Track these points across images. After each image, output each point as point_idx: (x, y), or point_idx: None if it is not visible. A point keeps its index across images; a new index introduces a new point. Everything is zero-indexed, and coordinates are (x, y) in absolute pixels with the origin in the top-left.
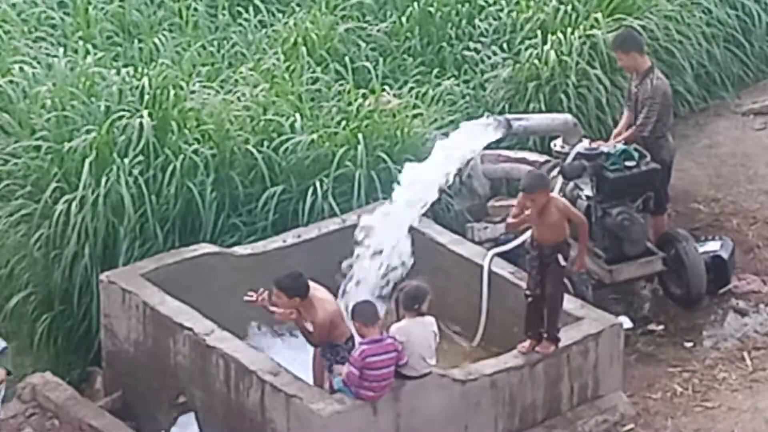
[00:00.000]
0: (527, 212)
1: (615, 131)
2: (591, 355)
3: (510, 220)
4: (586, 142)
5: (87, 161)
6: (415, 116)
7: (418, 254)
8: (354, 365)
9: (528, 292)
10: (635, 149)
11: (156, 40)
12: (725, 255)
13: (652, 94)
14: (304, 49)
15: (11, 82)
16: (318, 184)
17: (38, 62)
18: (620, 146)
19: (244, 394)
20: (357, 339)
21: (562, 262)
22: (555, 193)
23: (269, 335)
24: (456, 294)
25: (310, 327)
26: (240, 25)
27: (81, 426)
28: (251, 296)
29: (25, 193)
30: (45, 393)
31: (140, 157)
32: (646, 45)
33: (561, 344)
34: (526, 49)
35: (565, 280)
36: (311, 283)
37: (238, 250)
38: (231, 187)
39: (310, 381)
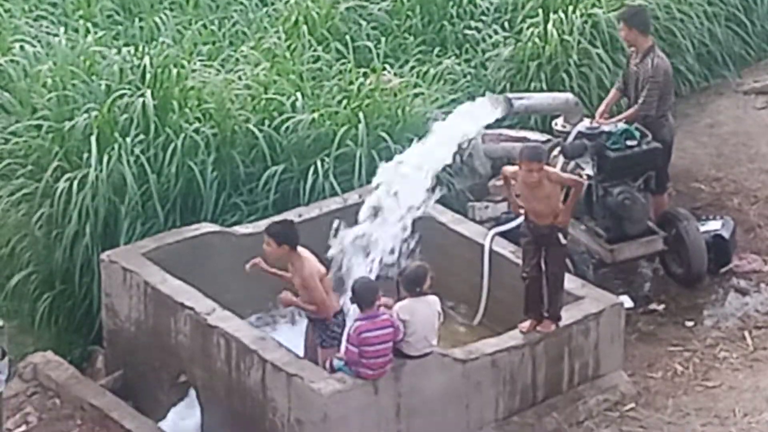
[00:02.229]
0: (513, 182)
1: (600, 109)
2: (592, 335)
3: (514, 202)
4: (587, 121)
5: (90, 140)
6: (416, 95)
7: (419, 233)
8: (351, 342)
9: (525, 274)
10: (636, 128)
11: (157, 19)
12: (726, 234)
13: (653, 74)
14: (305, 27)
15: (12, 61)
16: (319, 163)
17: (39, 41)
18: (621, 125)
19: (245, 374)
20: (347, 309)
21: (563, 241)
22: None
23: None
24: (457, 273)
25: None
26: (241, 3)
27: (82, 405)
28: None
29: (26, 173)
30: (46, 372)
31: (141, 137)
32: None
33: (562, 323)
34: (528, 28)
35: (566, 260)
36: (304, 250)
37: (239, 229)
38: (232, 166)
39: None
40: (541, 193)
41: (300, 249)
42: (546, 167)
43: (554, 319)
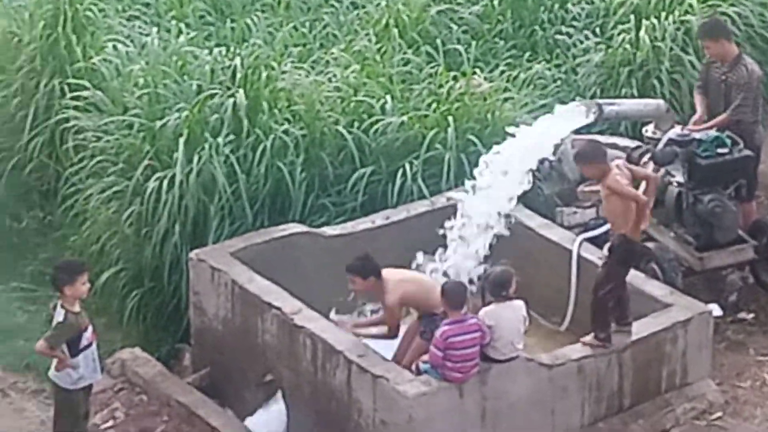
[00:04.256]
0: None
1: (694, 118)
2: (680, 343)
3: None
4: (678, 128)
5: (180, 140)
6: (505, 100)
7: (506, 238)
8: (437, 347)
9: None
10: (728, 136)
11: (248, 20)
12: None
13: (748, 79)
14: (395, 30)
15: (105, 60)
16: (407, 166)
17: (132, 41)
18: (713, 133)
19: (330, 374)
20: None
21: (604, 255)
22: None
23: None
24: (544, 278)
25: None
26: (332, 6)
27: (169, 402)
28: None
29: (117, 171)
30: (134, 368)
31: (231, 137)
32: (738, 32)
33: (650, 330)
34: (619, 33)
35: (655, 266)
36: (387, 270)
37: (327, 230)
38: (321, 167)
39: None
40: (604, 197)
41: (386, 273)
42: (610, 174)
43: (599, 340)
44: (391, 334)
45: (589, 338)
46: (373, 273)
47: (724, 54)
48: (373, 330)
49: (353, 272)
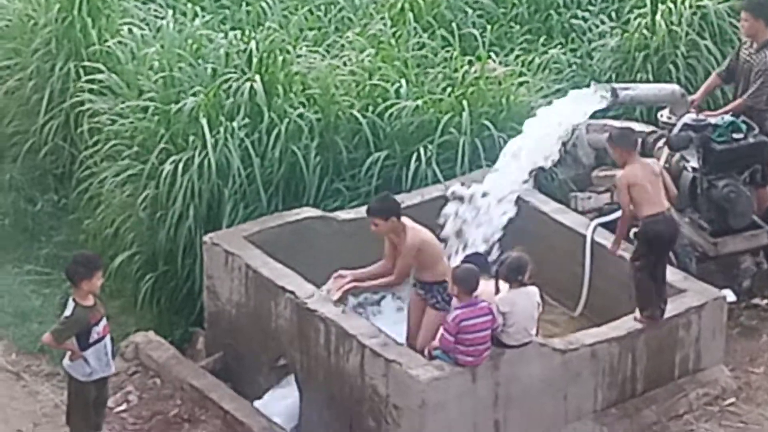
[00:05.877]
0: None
1: (697, 94)
2: (693, 328)
3: None
4: (693, 113)
5: (195, 122)
6: (520, 84)
7: (520, 222)
8: (449, 331)
9: None
10: (743, 121)
11: (263, 4)
12: None
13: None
14: (410, 14)
15: (120, 43)
16: (422, 150)
17: (147, 24)
18: (728, 118)
19: (344, 358)
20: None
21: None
22: (637, 166)
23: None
24: (558, 263)
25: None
26: None
27: (182, 385)
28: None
29: (132, 154)
30: (147, 352)
31: (246, 120)
32: None
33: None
34: (635, 18)
35: (669, 253)
36: (410, 221)
37: (341, 214)
38: (335, 151)
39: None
40: None
41: (405, 219)
42: (629, 166)
43: (645, 317)
44: (397, 281)
45: (637, 315)
46: (394, 213)
47: (755, 34)
48: (375, 282)
49: (374, 214)
